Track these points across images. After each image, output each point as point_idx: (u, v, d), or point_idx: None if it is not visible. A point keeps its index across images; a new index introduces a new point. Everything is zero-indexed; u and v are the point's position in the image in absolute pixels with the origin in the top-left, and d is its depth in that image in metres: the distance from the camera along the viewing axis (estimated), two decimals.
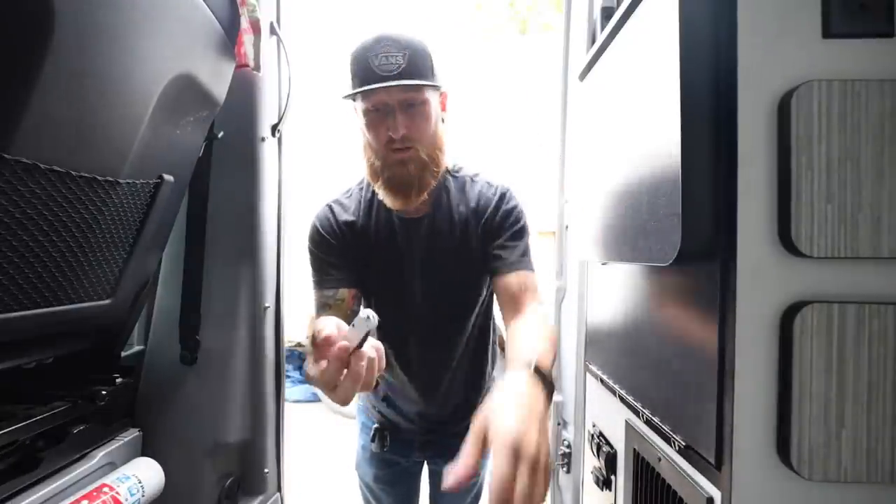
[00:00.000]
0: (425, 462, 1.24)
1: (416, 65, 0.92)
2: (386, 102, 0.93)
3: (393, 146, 0.94)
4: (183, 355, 1.16)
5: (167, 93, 0.82)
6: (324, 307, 1.02)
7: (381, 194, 1.00)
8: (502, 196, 1.06)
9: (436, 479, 1.24)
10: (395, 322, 1.07)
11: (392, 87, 0.91)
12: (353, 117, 1.06)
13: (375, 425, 1.16)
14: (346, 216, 1.06)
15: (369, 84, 0.91)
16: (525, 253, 1.05)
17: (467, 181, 1.09)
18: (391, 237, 1.05)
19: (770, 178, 0.50)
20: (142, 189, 0.87)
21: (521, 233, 1.05)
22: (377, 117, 0.95)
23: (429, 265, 1.06)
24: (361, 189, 1.10)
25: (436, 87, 0.96)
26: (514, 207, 1.05)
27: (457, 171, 1.10)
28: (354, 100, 0.98)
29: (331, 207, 1.08)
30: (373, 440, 1.16)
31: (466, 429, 1.14)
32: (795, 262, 0.50)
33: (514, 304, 1.00)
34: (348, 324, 0.99)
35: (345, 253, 1.05)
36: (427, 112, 0.96)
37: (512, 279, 1.01)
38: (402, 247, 1.05)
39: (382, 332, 1.07)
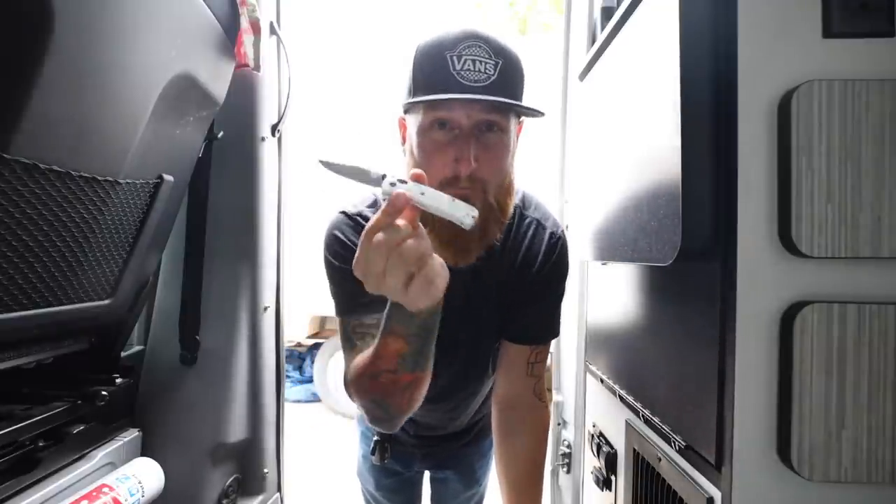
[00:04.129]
0: (428, 470, 1.23)
1: (508, 80, 0.71)
2: (458, 122, 0.70)
3: (455, 183, 0.71)
4: (183, 355, 1.16)
5: (167, 93, 0.82)
6: (363, 339, 0.75)
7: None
8: (554, 245, 0.87)
9: (438, 485, 1.23)
10: None
11: (482, 102, 0.68)
12: (392, 127, 0.83)
13: (375, 437, 1.13)
14: None
15: (447, 93, 0.68)
16: (557, 322, 0.91)
17: (517, 216, 0.87)
18: None
19: (770, 178, 0.50)
20: (142, 189, 0.87)
21: (560, 296, 0.90)
22: (441, 139, 0.71)
23: (461, 321, 0.84)
24: None
25: (538, 113, 0.74)
26: (563, 260, 0.88)
27: None
28: (406, 111, 0.76)
29: (357, 222, 0.83)
30: (373, 452, 1.12)
31: (468, 443, 1.14)
32: (795, 262, 0.50)
33: (517, 383, 0.89)
34: None
35: None
36: (507, 143, 0.74)
37: (528, 350, 0.88)
38: None
39: None
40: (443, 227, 0.71)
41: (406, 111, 0.77)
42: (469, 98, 0.68)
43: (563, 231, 0.89)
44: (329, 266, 0.83)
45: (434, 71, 0.70)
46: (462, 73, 0.69)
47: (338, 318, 0.82)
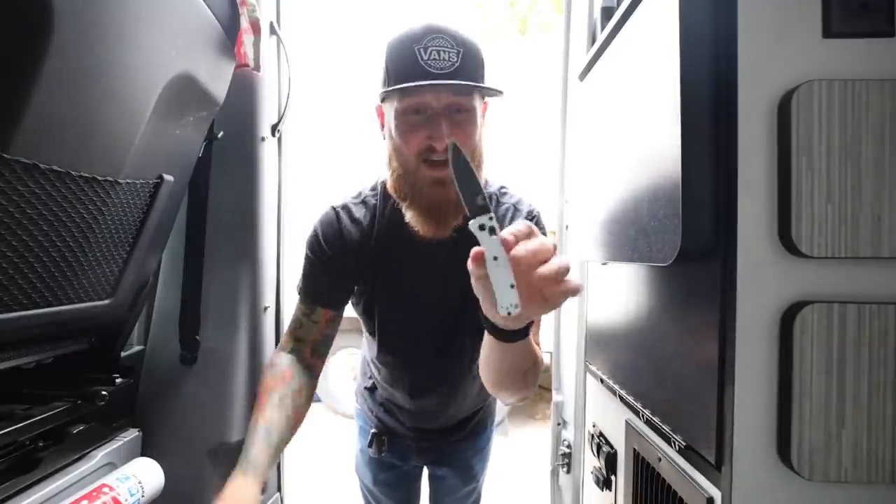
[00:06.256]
0: (425, 465, 1.23)
1: (470, 66, 0.80)
2: (430, 105, 0.79)
3: (430, 158, 0.80)
4: (183, 355, 1.16)
5: (167, 92, 0.82)
6: (297, 322, 0.96)
7: (410, 217, 0.86)
8: (530, 221, 0.92)
9: (436, 482, 1.24)
10: (398, 349, 1.00)
11: (447, 86, 0.78)
12: (372, 119, 0.92)
13: (373, 430, 1.15)
14: (354, 229, 0.93)
15: (417, 81, 0.77)
16: None
17: (494, 199, 0.96)
18: (406, 261, 0.93)
19: (770, 178, 0.50)
20: (142, 189, 0.87)
21: None
22: (416, 122, 0.80)
23: (444, 297, 0.93)
24: (376, 197, 0.95)
25: (497, 92, 0.83)
26: (542, 233, 0.95)
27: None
28: (383, 100, 0.85)
29: (338, 213, 0.94)
30: (370, 445, 1.14)
31: (464, 437, 1.15)
32: (795, 262, 0.50)
33: None
34: (317, 345, 0.96)
35: (342, 269, 0.94)
36: (474, 121, 0.83)
37: None
38: (417, 273, 0.93)
39: (384, 356, 1.02)
40: (423, 198, 0.83)
41: (382, 100, 0.86)
42: (437, 83, 0.76)
43: (538, 211, 0.96)
44: (305, 254, 0.96)
45: (404, 62, 0.79)
46: (429, 62, 0.77)
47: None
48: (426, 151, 0.80)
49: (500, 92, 0.83)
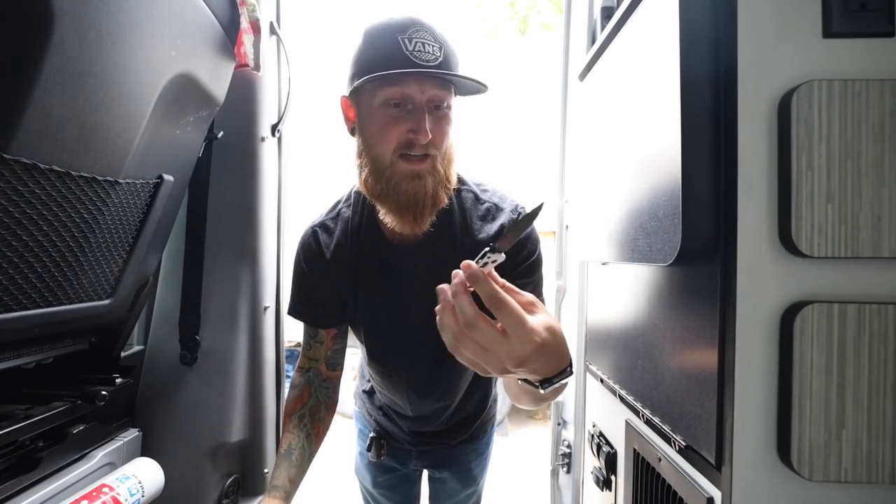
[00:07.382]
0: (425, 468, 1.23)
1: (452, 62, 0.78)
2: (413, 98, 0.76)
3: (408, 153, 0.77)
4: (183, 355, 1.16)
5: (167, 92, 0.82)
6: (307, 343, 1.00)
7: (384, 213, 0.83)
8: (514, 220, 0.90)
9: (435, 484, 1.23)
10: (389, 361, 0.99)
11: (434, 79, 0.76)
12: (340, 118, 0.89)
13: (372, 434, 1.14)
14: (331, 245, 0.92)
15: (403, 70, 0.74)
16: (536, 288, 0.89)
17: (472, 197, 0.91)
18: (385, 269, 0.91)
19: (770, 178, 0.50)
20: (142, 189, 0.87)
21: (533, 267, 0.89)
22: (396, 114, 0.77)
23: (427, 301, 0.85)
24: (349, 207, 0.94)
25: (483, 87, 0.81)
26: (529, 233, 0.89)
27: (459, 183, 0.91)
28: (359, 93, 0.81)
29: (315, 233, 0.93)
30: (369, 449, 1.13)
31: (463, 441, 1.15)
32: (795, 262, 0.50)
33: None
34: (329, 360, 0.99)
35: (328, 289, 0.93)
36: (451, 119, 0.81)
37: None
38: (396, 280, 0.91)
39: (375, 366, 1.01)
40: (399, 193, 0.80)
41: (353, 92, 0.82)
42: (429, 72, 0.74)
43: (523, 207, 0.92)
44: (292, 277, 0.97)
45: (387, 51, 0.75)
46: (414, 52, 0.75)
47: None
48: (405, 146, 0.77)
49: (486, 87, 0.81)
